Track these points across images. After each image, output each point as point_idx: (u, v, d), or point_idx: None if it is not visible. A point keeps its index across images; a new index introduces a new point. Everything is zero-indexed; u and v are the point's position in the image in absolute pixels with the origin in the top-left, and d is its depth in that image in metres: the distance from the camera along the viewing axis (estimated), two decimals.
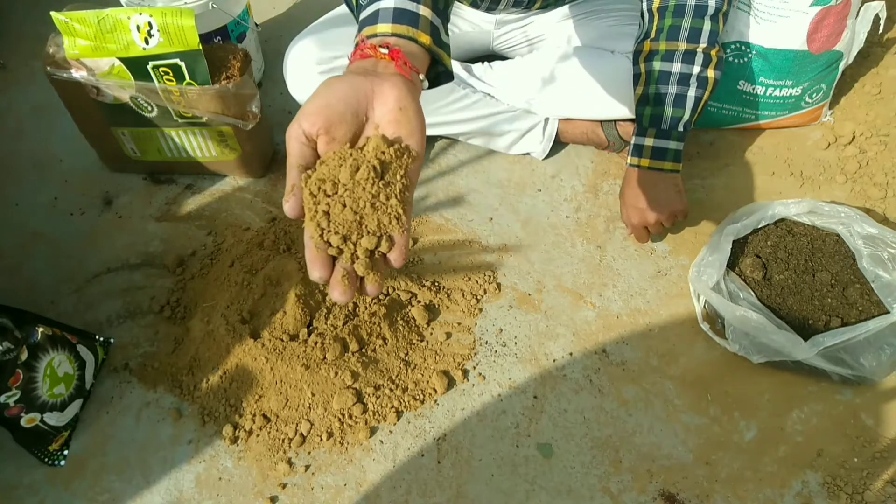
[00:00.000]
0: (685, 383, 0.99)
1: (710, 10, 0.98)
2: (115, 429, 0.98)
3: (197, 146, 1.20)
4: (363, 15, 0.58)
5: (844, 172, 1.21)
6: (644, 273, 1.11)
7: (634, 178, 1.07)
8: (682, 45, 0.99)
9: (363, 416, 0.96)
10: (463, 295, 1.09)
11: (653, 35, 1.02)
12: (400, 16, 0.56)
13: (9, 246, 1.20)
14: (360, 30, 0.57)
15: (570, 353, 1.03)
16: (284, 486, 0.91)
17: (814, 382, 0.97)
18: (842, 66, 1.19)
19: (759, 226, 1.06)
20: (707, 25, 0.99)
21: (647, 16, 1.04)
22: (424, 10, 0.57)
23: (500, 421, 0.96)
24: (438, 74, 0.60)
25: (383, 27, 0.55)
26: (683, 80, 1.00)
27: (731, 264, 1.03)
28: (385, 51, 0.52)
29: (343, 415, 0.96)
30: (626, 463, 0.92)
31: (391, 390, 0.98)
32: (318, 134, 0.48)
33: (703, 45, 0.99)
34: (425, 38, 0.55)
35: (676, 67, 1.00)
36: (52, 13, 1.02)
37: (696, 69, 0.99)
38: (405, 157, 0.49)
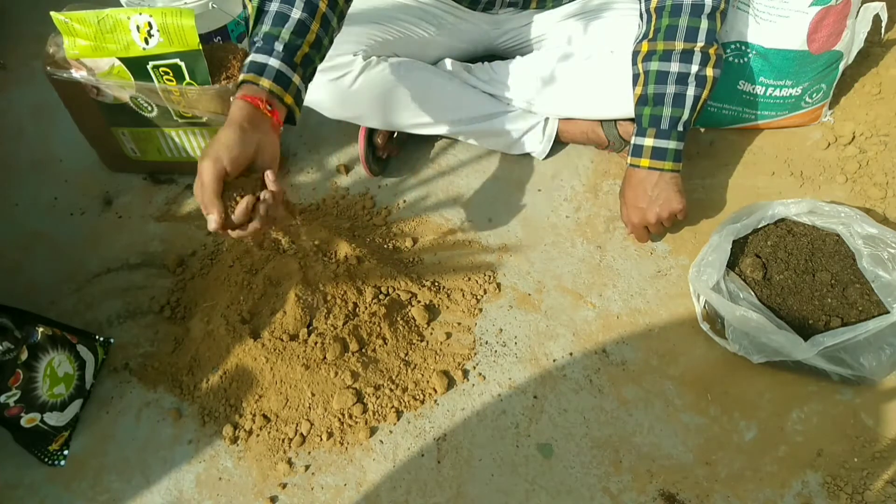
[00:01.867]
0: (685, 383, 0.99)
1: (707, 9, 0.98)
2: (115, 429, 0.98)
3: (197, 146, 1.20)
4: (254, 58, 0.82)
5: (844, 172, 1.21)
6: (644, 273, 1.11)
7: (634, 177, 1.07)
8: (679, 45, 0.99)
9: (363, 416, 0.96)
10: (463, 295, 1.09)
11: (650, 35, 1.02)
12: (279, 78, 0.82)
13: (9, 246, 1.20)
14: (248, 68, 0.82)
15: (570, 353, 1.03)
16: (284, 486, 0.91)
17: (814, 382, 0.97)
18: (842, 66, 1.19)
19: (759, 226, 1.06)
20: (704, 24, 0.99)
21: (645, 16, 1.04)
22: (296, 79, 0.84)
23: (500, 421, 0.96)
24: (289, 117, 0.86)
25: (266, 82, 0.81)
26: (682, 79, 1.00)
27: (731, 264, 1.03)
28: (269, 108, 0.80)
29: (343, 415, 0.96)
30: (626, 463, 0.92)
31: (391, 390, 0.98)
32: (229, 170, 0.75)
33: (700, 43, 0.99)
34: (289, 100, 0.83)
35: (674, 67, 1.00)
36: (52, 13, 1.02)
37: (695, 68, 0.99)
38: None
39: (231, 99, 0.81)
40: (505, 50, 1.27)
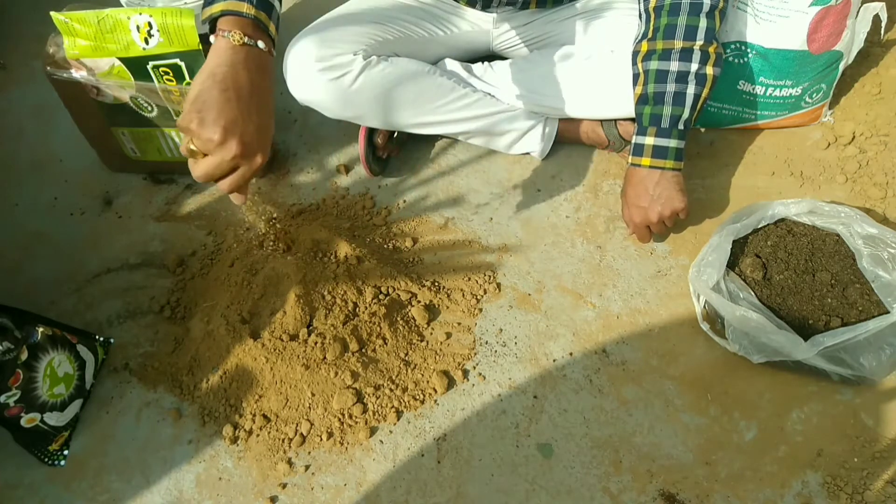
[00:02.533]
0: (685, 383, 0.99)
1: (706, 8, 0.98)
2: (115, 429, 0.98)
3: None
4: None
5: (844, 172, 1.21)
6: (644, 273, 1.11)
7: (636, 177, 1.07)
8: (678, 44, 0.99)
9: (363, 416, 0.96)
10: (463, 295, 1.09)
11: (650, 35, 1.02)
12: (277, 21, 0.74)
13: (9, 246, 1.20)
14: (258, 2, 0.71)
15: (570, 353, 1.03)
16: (284, 486, 0.91)
17: (814, 382, 0.97)
18: (842, 66, 1.19)
19: (759, 226, 1.06)
20: (703, 22, 0.99)
21: (644, 16, 1.04)
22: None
23: (500, 421, 0.96)
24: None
25: (272, 27, 0.73)
26: (681, 77, 1.00)
27: (731, 264, 1.03)
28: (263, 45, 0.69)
29: (343, 415, 0.96)
30: (626, 463, 0.92)
31: (391, 390, 0.98)
32: None
33: (699, 42, 0.99)
34: (273, 30, 0.74)
35: (674, 66, 1.00)
36: (52, 13, 1.02)
37: (694, 66, 0.99)
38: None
39: (238, 37, 0.68)
40: (505, 50, 1.27)
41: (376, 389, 0.98)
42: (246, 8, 0.70)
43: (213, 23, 0.71)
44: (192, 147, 0.66)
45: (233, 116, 0.64)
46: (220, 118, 0.64)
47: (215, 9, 0.71)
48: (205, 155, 0.66)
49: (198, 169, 0.66)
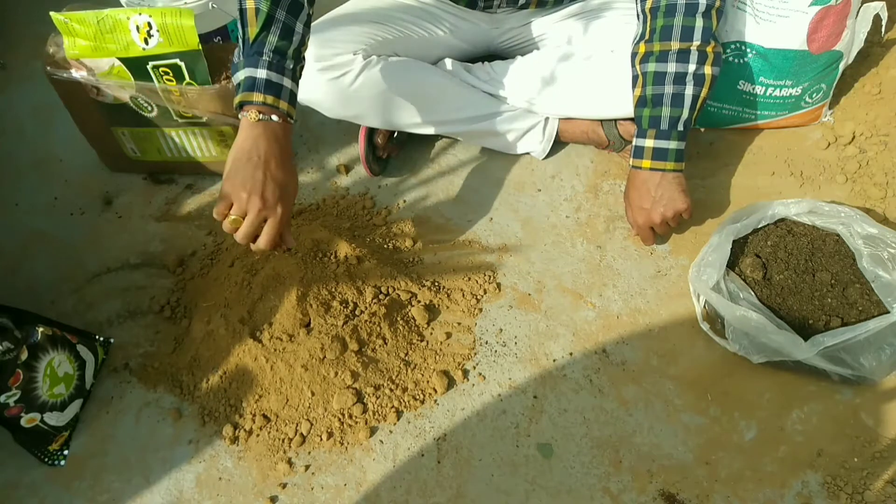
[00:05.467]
0: (685, 383, 0.99)
1: (702, 8, 0.99)
2: (115, 429, 0.98)
3: (197, 146, 1.20)
4: (270, 77, 0.84)
5: (844, 172, 1.21)
6: (644, 273, 1.11)
7: (637, 179, 1.07)
8: (675, 45, 0.99)
9: (363, 416, 0.96)
10: (463, 295, 1.09)
11: (647, 36, 1.02)
12: (292, 98, 0.87)
13: (9, 246, 1.20)
14: (266, 88, 0.84)
15: (570, 353, 1.03)
16: (284, 486, 0.92)
17: (814, 382, 0.97)
18: (842, 66, 1.19)
19: (759, 226, 1.06)
20: (699, 23, 0.99)
21: (641, 17, 1.04)
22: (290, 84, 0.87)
23: (500, 421, 0.96)
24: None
25: (284, 105, 0.85)
26: (679, 79, 1.00)
27: (731, 264, 1.03)
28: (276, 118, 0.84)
29: (343, 415, 0.96)
30: (626, 463, 0.92)
31: (391, 390, 0.98)
32: None
33: (696, 42, 0.99)
34: (285, 105, 0.86)
35: (672, 67, 1.00)
36: (52, 13, 1.02)
37: (692, 67, 0.99)
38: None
39: (253, 116, 0.83)
40: (505, 50, 1.27)
41: (376, 389, 0.98)
42: (255, 96, 0.84)
43: (238, 107, 0.86)
44: (234, 216, 0.81)
45: (254, 178, 0.81)
46: (246, 182, 0.81)
47: (236, 100, 0.86)
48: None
49: (240, 234, 0.82)
